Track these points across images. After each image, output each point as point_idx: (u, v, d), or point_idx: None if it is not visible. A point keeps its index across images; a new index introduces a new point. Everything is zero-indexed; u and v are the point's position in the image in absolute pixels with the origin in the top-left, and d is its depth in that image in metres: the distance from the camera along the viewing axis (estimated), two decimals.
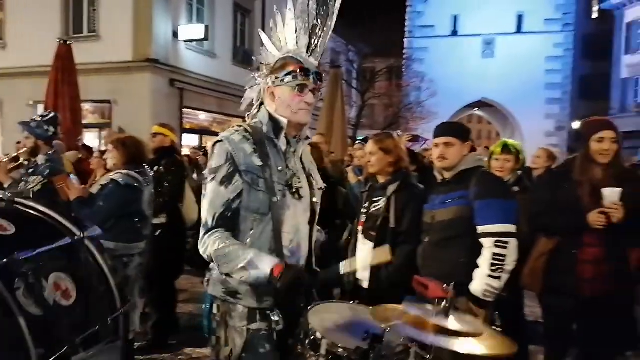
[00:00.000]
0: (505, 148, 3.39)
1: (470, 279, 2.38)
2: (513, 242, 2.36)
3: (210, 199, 1.67)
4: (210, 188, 1.68)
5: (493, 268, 2.33)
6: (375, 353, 1.41)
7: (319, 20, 1.76)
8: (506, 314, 2.50)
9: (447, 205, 2.55)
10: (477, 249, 2.40)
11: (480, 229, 2.41)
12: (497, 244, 2.34)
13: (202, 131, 14.15)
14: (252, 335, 1.67)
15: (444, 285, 1.72)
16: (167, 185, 4.07)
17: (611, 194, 2.46)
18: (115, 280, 1.83)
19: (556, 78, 27.64)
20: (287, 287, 1.51)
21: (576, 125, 24.95)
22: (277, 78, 1.73)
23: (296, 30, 1.77)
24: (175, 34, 12.18)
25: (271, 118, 1.75)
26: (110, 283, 1.81)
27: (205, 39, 12.56)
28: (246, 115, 1.84)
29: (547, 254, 2.74)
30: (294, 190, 1.74)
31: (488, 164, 3.37)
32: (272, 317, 1.68)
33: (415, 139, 12.68)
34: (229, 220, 1.67)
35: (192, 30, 12.42)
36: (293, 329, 1.67)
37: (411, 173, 3.12)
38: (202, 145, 12.29)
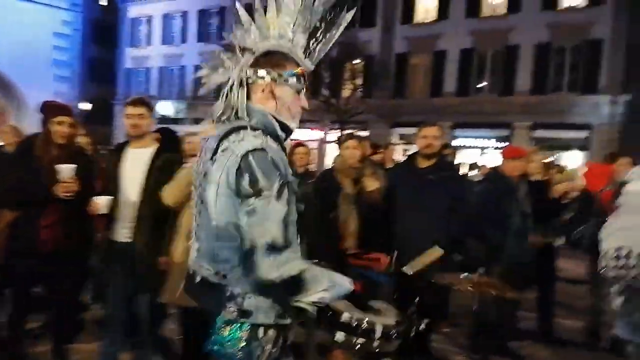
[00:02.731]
0: None
1: None
2: None
3: (270, 216, 1.45)
4: (264, 204, 1.45)
5: None
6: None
7: (322, 25, 1.65)
8: None
9: None
10: None
11: None
12: None
13: None
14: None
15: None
16: None
17: (65, 170, 2.89)
18: None
19: (64, 56, 27.41)
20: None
21: (84, 105, 25.70)
22: (279, 76, 1.60)
23: (294, 25, 1.61)
24: None
25: (277, 120, 1.61)
26: None
27: None
28: (215, 110, 1.62)
29: (9, 225, 2.93)
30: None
31: None
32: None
33: None
34: (293, 237, 1.53)
35: None
36: None
37: None
38: None
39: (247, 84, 1.61)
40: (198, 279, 1.61)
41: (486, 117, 18.13)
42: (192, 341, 2.80)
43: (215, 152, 1.53)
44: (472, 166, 12.95)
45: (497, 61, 18.65)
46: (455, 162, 6.72)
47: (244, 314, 1.53)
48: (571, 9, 17.50)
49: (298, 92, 1.65)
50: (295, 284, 1.48)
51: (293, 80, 1.62)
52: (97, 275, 3.95)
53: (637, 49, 16.16)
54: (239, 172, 1.46)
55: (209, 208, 1.54)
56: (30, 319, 3.35)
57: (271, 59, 1.61)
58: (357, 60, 20.73)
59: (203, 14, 25.57)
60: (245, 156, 1.46)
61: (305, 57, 1.67)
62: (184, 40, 26.35)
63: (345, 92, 20.62)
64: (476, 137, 19.13)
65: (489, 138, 18.76)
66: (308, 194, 4.30)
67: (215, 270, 1.57)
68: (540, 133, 17.48)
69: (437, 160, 3.52)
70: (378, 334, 1.76)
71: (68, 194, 2.90)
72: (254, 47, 1.62)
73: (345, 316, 1.83)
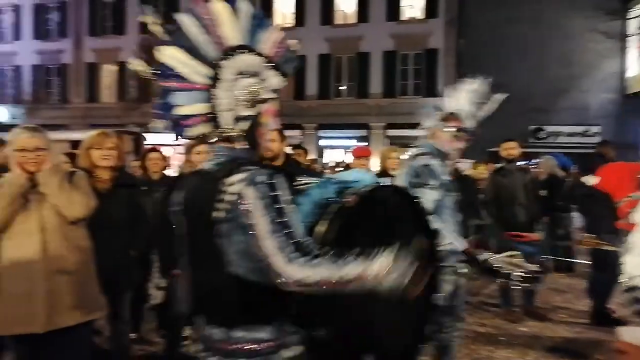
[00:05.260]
0: None
1: None
2: None
3: None
4: None
5: None
6: None
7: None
8: None
9: None
10: None
11: None
12: None
13: None
14: None
15: None
16: None
17: None
18: None
19: None
20: None
21: None
22: (444, 127, 3.14)
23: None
24: None
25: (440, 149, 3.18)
26: None
27: None
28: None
29: None
30: None
31: None
32: None
33: None
34: None
35: None
36: None
37: None
38: None
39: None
40: None
41: (345, 118, 19.39)
42: None
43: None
44: (338, 164, 13.78)
45: (352, 66, 20.00)
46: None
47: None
48: (411, 21, 19.59)
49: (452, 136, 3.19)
50: None
51: (449, 129, 3.13)
52: None
53: (466, 58, 18.79)
54: None
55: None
56: None
57: (442, 116, 3.19)
58: None
59: (39, 9, 22.83)
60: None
61: None
62: (17, 37, 23.19)
63: None
64: (338, 138, 20.36)
65: (350, 138, 20.05)
66: None
67: None
68: (392, 132, 19.22)
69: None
70: None
71: None
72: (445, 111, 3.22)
73: None
